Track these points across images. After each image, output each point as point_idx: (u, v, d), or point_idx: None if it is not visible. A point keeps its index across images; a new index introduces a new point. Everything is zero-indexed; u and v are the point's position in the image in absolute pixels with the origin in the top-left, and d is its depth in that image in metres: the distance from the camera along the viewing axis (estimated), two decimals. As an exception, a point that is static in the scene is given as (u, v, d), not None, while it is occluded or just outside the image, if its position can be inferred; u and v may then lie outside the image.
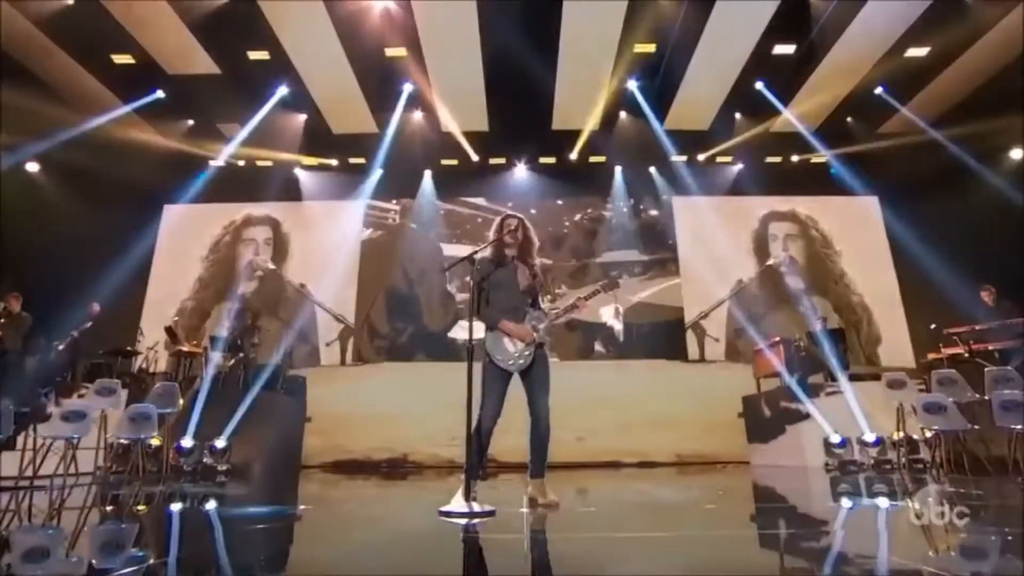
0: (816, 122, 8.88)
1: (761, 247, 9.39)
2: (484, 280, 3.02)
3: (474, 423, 2.84)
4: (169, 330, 6.98)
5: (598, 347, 8.90)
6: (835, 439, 5.69)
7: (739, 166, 9.53)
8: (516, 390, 3.06)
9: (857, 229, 9.30)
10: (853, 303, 9.00)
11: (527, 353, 2.93)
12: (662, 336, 8.94)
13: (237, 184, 9.24)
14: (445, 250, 9.39)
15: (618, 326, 8.83)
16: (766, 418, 6.92)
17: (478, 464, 2.84)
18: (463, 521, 2.57)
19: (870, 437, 5.59)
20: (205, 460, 5.69)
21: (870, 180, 8.96)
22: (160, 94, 7.90)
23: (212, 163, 9.21)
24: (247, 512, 3.54)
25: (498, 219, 3.20)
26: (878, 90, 8.06)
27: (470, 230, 9.44)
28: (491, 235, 3.15)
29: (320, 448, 7.93)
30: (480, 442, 2.83)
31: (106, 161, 7.75)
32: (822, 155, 9.12)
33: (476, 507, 2.67)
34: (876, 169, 8.84)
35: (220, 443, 5.76)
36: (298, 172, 9.59)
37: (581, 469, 7.25)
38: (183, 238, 9.29)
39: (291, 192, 9.49)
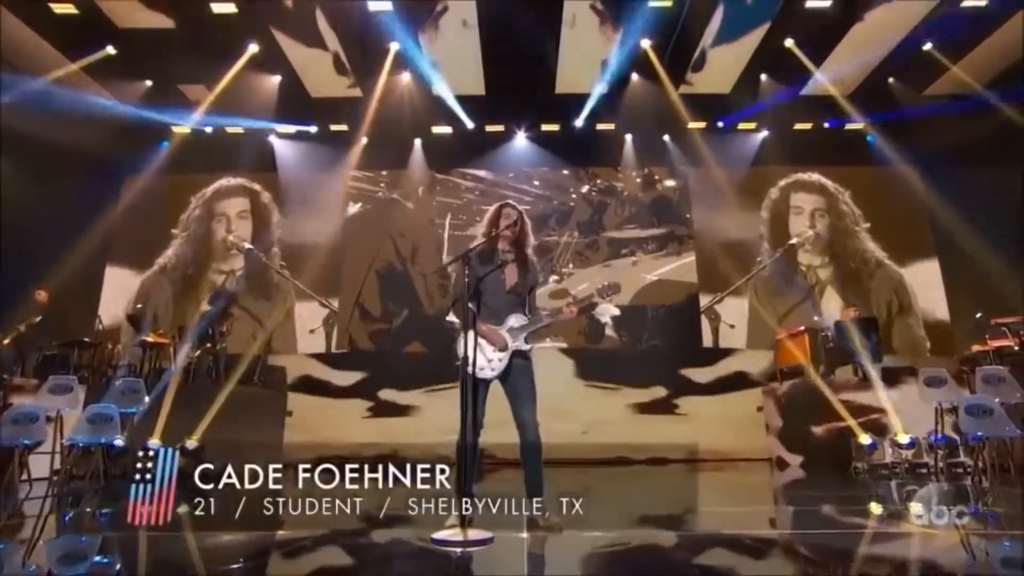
0: (853, 84, 8.52)
1: (779, 221, 9.15)
2: (480, 281, 2.94)
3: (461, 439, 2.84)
4: (132, 318, 6.81)
5: (608, 332, 8.77)
6: (864, 440, 5.59)
7: (764, 134, 9.24)
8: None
9: (894, 203, 9.02)
10: (879, 284, 8.82)
11: (501, 361, 2.89)
12: (678, 320, 8.81)
13: (205, 153, 8.94)
14: (439, 226, 9.20)
15: (608, 331, 8.69)
16: (788, 415, 6.81)
17: (468, 483, 2.80)
18: (458, 550, 2.54)
19: (904, 438, 5.49)
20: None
21: (911, 149, 8.65)
22: (111, 50, 7.50)
23: (176, 130, 8.88)
24: (219, 533, 3.43)
25: (493, 209, 3.09)
26: (927, 46, 7.66)
27: (466, 204, 9.24)
28: (484, 226, 3.05)
29: (302, 444, 7.85)
30: (466, 459, 2.81)
31: (53, 128, 7.41)
32: (858, 121, 8.79)
33: (471, 534, 2.63)
34: (919, 137, 8.50)
35: (191, 444, 5.65)
36: (273, 140, 9.29)
37: (587, 466, 7.23)
38: (146, 214, 9.00)
39: (266, 162, 9.20)
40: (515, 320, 2.97)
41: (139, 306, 7.63)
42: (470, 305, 2.87)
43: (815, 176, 9.29)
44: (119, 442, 5.22)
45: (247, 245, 9.06)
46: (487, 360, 2.91)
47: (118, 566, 2.90)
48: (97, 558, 3.01)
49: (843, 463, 5.68)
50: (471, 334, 2.90)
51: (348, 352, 8.74)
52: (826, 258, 8.98)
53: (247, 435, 6.48)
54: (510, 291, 3.00)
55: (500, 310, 2.98)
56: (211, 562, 2.74)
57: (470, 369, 2.87)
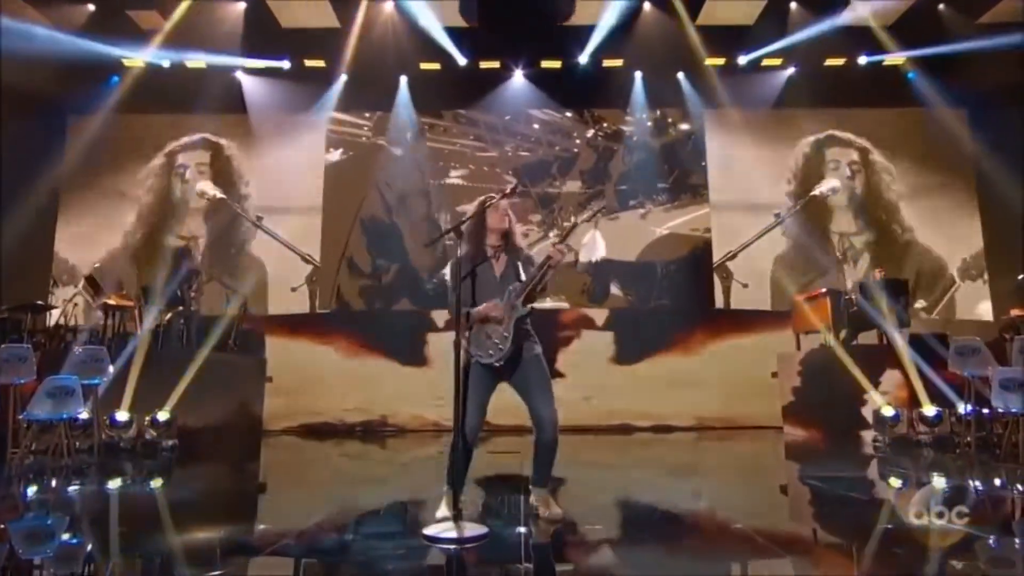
0: (896, 13, 8.02)
1: (810, 181, 8.89)
2: (474, 285, 2.89)
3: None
4: (90, 279, 6.62)
5: (614, 290, 8.67)
6: (888, 412, 5.56)
7: (790, 71, 8.86)
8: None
9: (935, 149, 8.70)
10: (908, 243, 8.66)
11: (506, 335, 2.82)
12: (689, 277, 8.72)
13: (162, 91, 8.45)
14: (429, 174, 8.92)
15: (596, 256, 8.54)
16: (805, 382, 6.78)
17: (462, 479, 2.84)
18: (451, 547, 2.53)
19: (930, 411, 5.46)
20: (147, 436, 5.54)
21: (959, 88, 8.25)
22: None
23: (127, 63, 8.40)
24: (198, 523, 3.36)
25: (478, 203, 2.99)
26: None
27: (458, 150, 8.96)
28: (471, 222, 2.99)
29: (285, 410, 7.88)
30: (462, 456, 2.82)
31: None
32: (898, 56, 8.36)
33: (465, 530, 2.61)
34: (969, 74, 8.08)
35: (163, 415, 5.59)
36: (240, 77, 8.87)
37: (588, 434, 7.29)
38: (98, 159, 8.61)
39: (233, 102, 8.81)
40: (510, 290, 2.90)
41: (97, 265, 7.40)
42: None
43: (850, 120, 8.96)
44: (83, 415, 5.15)
45: (219, 194, 8.79)
46: (492, 342, 2.85)
47: (88, 546, 2.86)
48: (64, 537, 2.97)
49: (863, 436, 5.67)
50: (467, 320, 2.87)
51: (334, 311, 8.64)
52: (861, 222, 8.74)
53: (223, 404, 6.45)
54: (501, 279, 2.95)
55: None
56: (189, 552, 2.71)
57: (478, 358, 2.85)
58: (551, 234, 8.74)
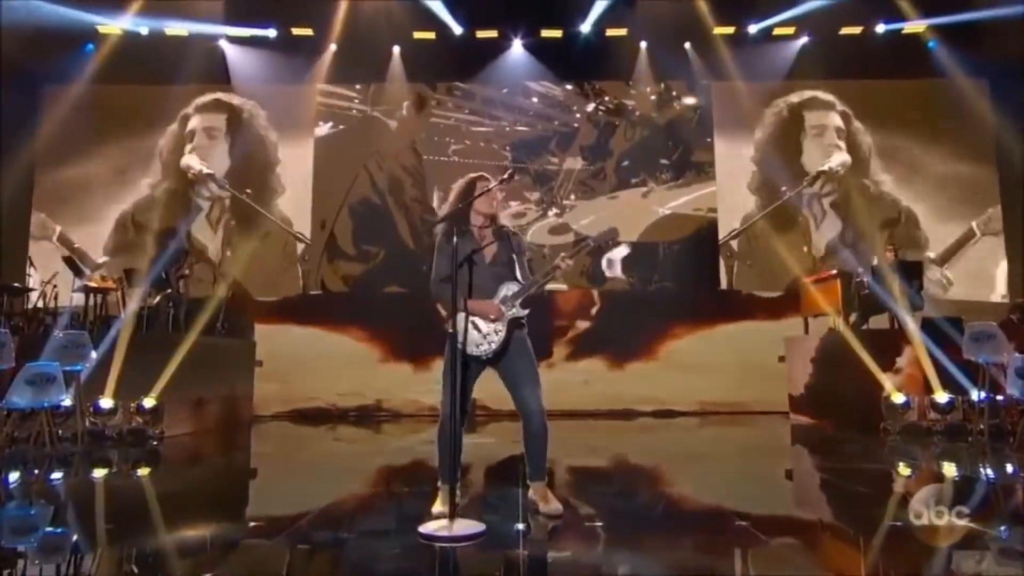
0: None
1: (788, 146, 8.72)
2: (469, 259, 2.80)
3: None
4: (69, 260, 6.51)
5: (616, 272, 8.60)
6: (898, 399, 5.53)
7: (803, 40, 8.70)
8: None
9: (955, 124, 8.54)
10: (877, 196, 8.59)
11: (499, 332, 2.80)
12: (693, 259, 8.64)
13: (141, 60, 8.25)
14: (422, 151, 8.78)
15: (612, 273, 8.55)
16: (814, 367, 6.75)
17: (454, 469, 2.72)
18: (447, 546, 2.50)
19: (941, 398, 5.43)
20: (133, 423, 5.50)
21: (981, 57, 8.08)
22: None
23: (102, 31, 8.20)
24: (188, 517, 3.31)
25: (466, 181, 2.94)
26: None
27: (453, 125, 8.79)
28: (455, 199, 2.94)
29: (276, 395, 7.90)
30: (450, 446, 2.71)
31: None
32: (919, 24, 8.18)
33: (461, 526, 2.59)
34: (992, 43, 7.89)
35: (149, 401, 5.55)
36: (224, 46, 8.69)
37: (587, 418, 7.33)
38: (74, 132, 8.38)
39: (217, 73, 8.61)
40: (507, 289, 2.87)
41: (77, 246, 7.30)
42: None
43: (867, 91, 8.75)
44: (66, 403, 5.09)
45: (205, 170, 8.63)
46: (482, 335, 2.81)
47: (74, 537, 2.83)
48: (48, 528, 2.93)
49: (872, 423, 5.64)
50: (461, 310, 2.78)
51: (327, 294, 8.56)
52: (831, 185, 8.62)
53: (212, 390, 6.41)
54: (492, 263, 2.92)
55: (485, 285, 2.88)
56: (178, 543, 2.69)
57: (461, 346, 2.77)
58: (550, 212, 8.63)
